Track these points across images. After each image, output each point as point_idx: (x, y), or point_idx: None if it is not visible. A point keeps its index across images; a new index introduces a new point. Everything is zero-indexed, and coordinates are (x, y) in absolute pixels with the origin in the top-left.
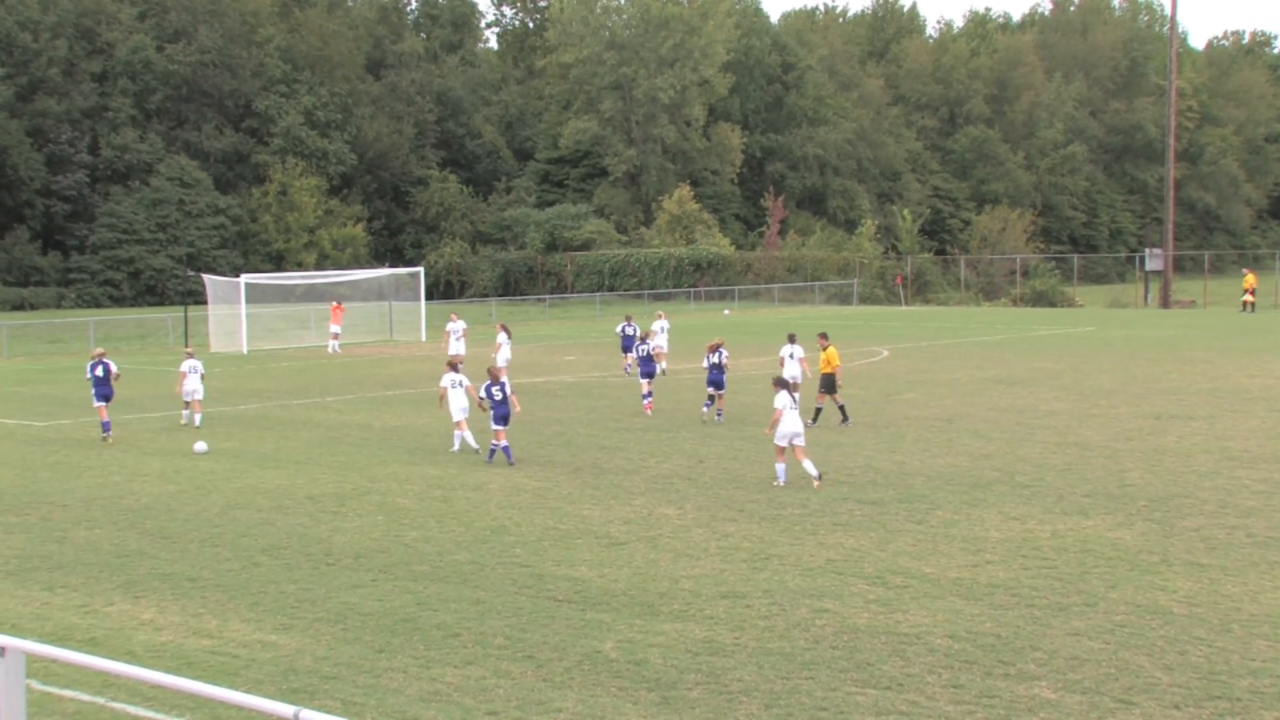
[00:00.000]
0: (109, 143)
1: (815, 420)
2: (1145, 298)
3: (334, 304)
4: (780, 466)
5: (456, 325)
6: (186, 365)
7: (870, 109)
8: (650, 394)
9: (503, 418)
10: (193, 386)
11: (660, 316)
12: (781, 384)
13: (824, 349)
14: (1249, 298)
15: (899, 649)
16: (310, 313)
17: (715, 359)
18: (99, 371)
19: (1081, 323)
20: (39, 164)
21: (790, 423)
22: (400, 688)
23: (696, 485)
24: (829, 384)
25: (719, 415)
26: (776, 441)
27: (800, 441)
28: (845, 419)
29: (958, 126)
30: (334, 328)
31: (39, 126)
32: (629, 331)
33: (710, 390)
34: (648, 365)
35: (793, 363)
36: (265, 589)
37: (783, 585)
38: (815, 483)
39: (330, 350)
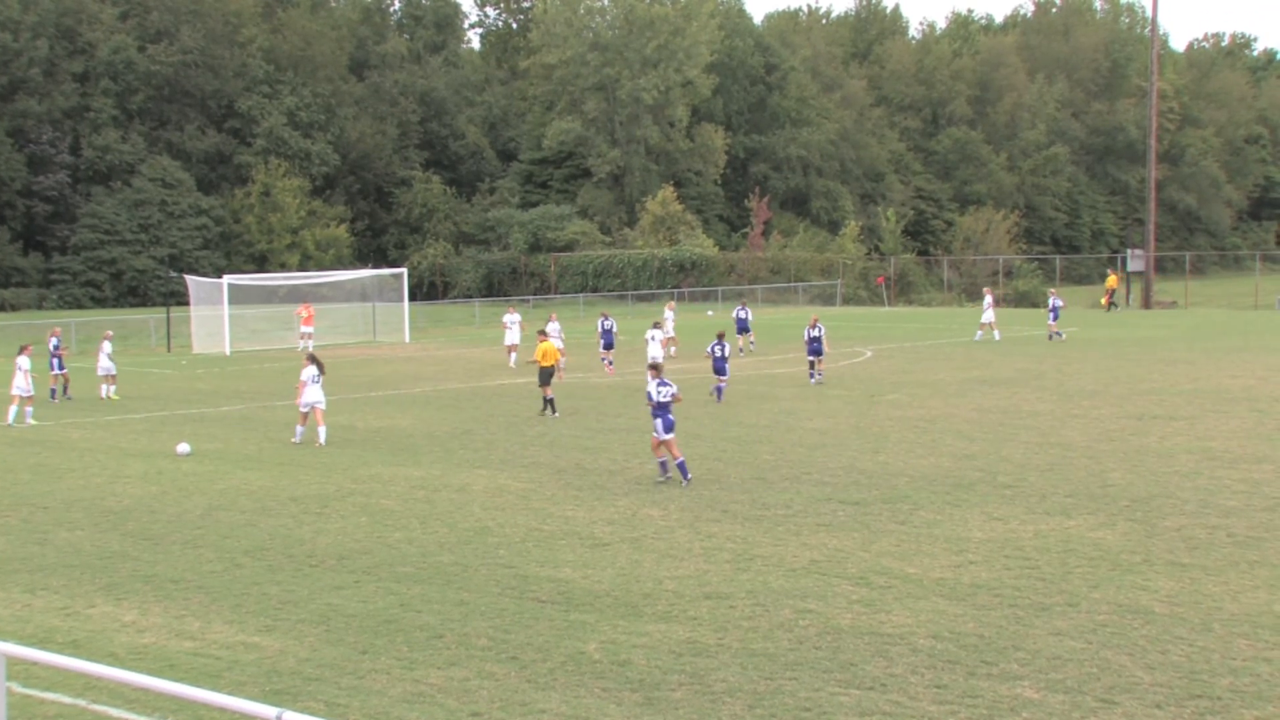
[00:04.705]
0: (90, 143)
1: (551, 410)
2: (1127, 298)
3: (302, 306)
4: (299, 429)
5: (513, 317)
6: (107, 345)
7: (853, 110)
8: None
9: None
10: (105, 364)
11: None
12: (312, 359)
13: (541, 343)
14: (1105, 299)
15: (882, 649)
16: (293, 314)
17: (815, 332)
18: (51, 345)
19: (1064, 323)
20: (20, 164)
21: (311, 393)
22: (384, 689)
23: (680, 486)
24: (546, 377)
25: (816, 377)
26: (301, 409)
27: (322, 407)
28: (553, 412)
29: (940, 127)
30: (305, 329)
31: (19, 127)
32: (607, 326)
33: (810, 359)
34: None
35: (654, 344)
36: (248, 591)
37: (766, 586)
38: (318, 443)
39: (301, 349)
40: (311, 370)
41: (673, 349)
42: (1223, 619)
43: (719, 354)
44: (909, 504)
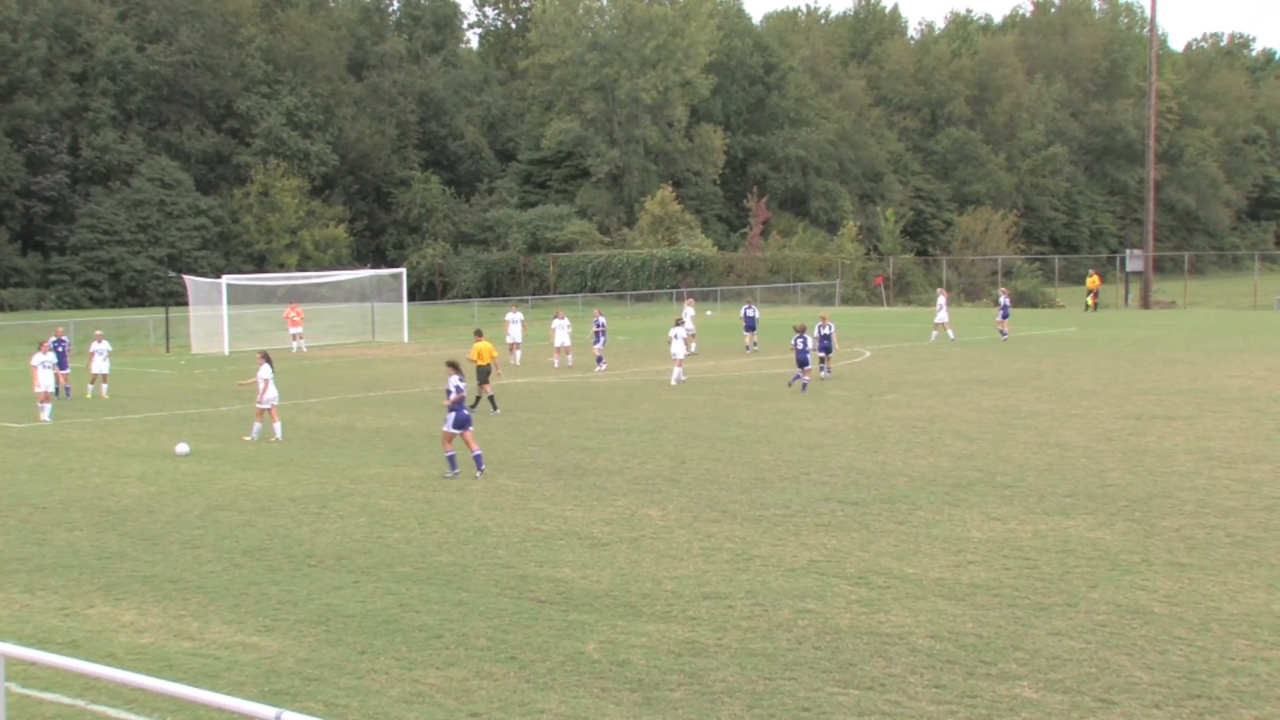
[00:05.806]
0: (89, 143)
1: (475, 406)
2: (1126, 298)
3: (290, 308)
4: (258, 426)
5: (516, 315)
6: (95, 346)
7: (852, 110)
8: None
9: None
10: (99, 366)
11: (689, 303)
12: (265, 358)
13: (477, 342)
14: (1091, 299)
15: (881, 649)
16: (282, 315)
17: (826, 330)
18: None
19: (1062, 323)
20: (18, 164)
21: (274, 391)
22: (383, 689)
23: (679, 486)
24: (484, 375)
25: (825, 372)
26: (263, 405)
27: (276, 404)
28: (494, 409)
29: (939, 127)
30: (293, 329)
31: (18, 127)
32: (602, 323)
33: (821, 355)
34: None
35: (677, 342)
36: (247, 591)
37: (765, 586)
38: (250, 436)
39: (295, 350)
40: (268, 369)
41: (693, 345)
42: (1221, 619)
43: (800, 346)
44: (908, 504)
